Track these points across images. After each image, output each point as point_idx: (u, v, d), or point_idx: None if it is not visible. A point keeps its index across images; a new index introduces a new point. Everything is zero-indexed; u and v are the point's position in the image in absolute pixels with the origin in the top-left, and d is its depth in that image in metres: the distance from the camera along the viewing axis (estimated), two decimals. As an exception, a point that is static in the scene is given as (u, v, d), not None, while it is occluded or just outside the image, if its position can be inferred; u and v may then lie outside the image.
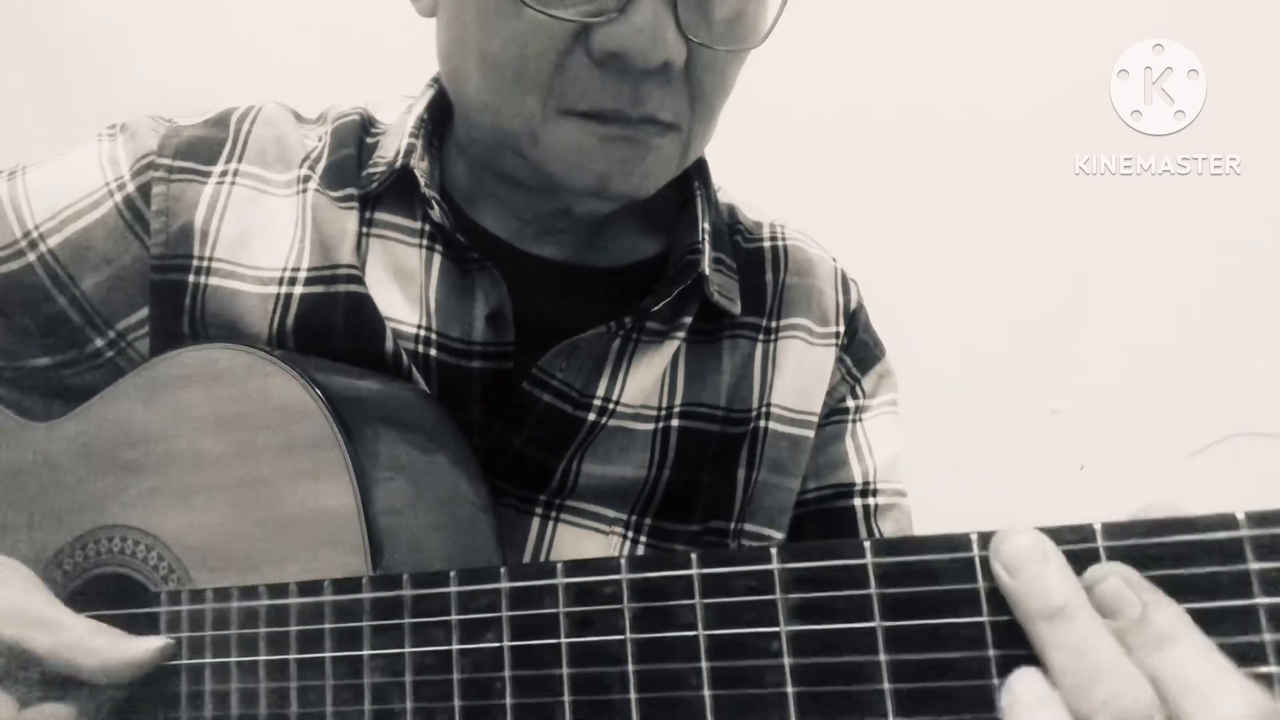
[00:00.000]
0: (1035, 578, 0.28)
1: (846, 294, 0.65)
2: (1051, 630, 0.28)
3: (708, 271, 0.57)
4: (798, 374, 0.61)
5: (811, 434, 0.61)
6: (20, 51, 1.40)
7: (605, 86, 0.46)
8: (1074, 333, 1.28)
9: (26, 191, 0.56)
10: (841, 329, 0.63)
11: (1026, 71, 1.25)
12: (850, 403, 0.63)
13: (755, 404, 0.59)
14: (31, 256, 0.55)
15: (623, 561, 0.32)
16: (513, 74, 0.47)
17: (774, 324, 0.61)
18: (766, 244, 0.64)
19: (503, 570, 0.34)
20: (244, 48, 1.35)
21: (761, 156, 1.01)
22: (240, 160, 0.57)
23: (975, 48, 1.27)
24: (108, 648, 0.42)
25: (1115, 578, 0.28)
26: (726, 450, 0.59)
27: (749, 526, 0.59)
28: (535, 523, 0.55)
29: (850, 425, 0.63)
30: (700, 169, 0.61)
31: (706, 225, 0.58)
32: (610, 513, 0.56)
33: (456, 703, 0.34)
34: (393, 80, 0.65)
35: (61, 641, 0.41)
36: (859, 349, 0.64)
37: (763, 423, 0.59)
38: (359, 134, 0.59)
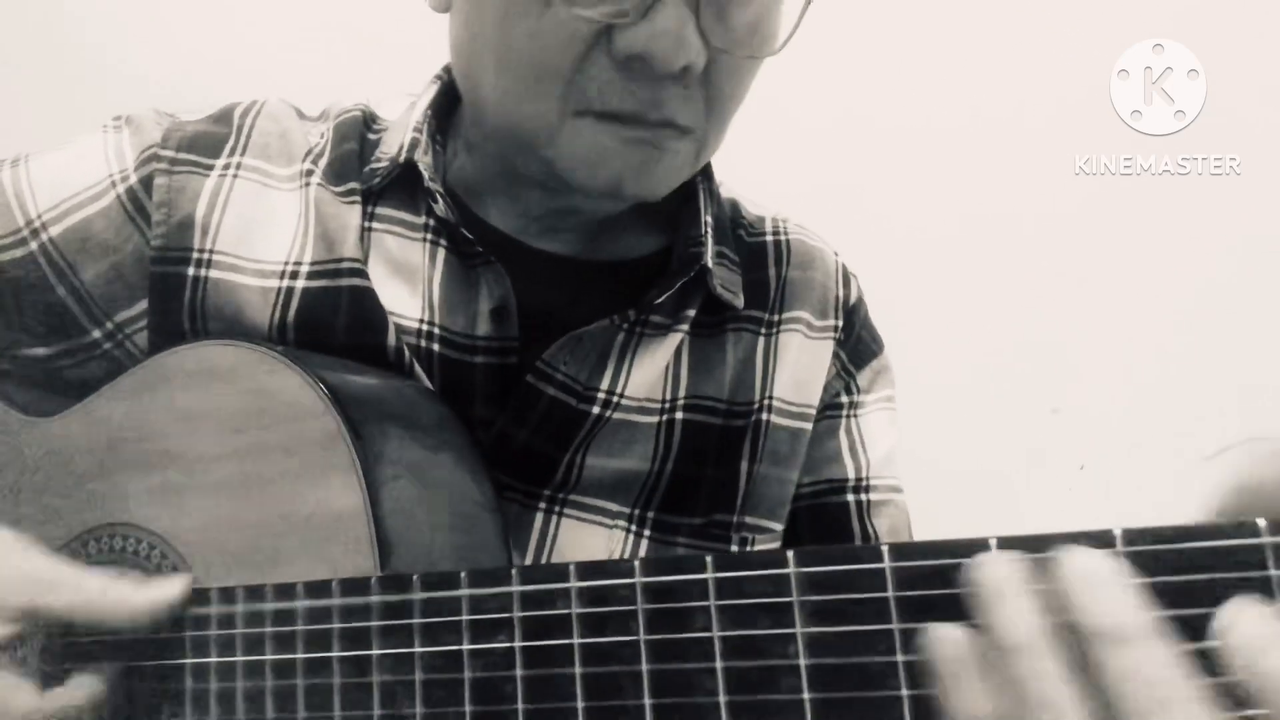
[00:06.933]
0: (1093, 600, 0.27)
1: (847, 288, 0.65)
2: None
3: (710, 264, 0.57)
4: (797, 367, 0.61)
5: (809, 426, 0.61)
6: (20, 51, 1.39)
7: (626, 89, 0.47)
8: (1074, 333, 1.28)
9: (30, 180, 0.56)
10: (840, 323, 0.64)
11: (1026, 71, 1.25)
12: (845, 398, 0.63)
13: (757, 397, 0.59)
14: (33, 245, 0.55)
15: (637, 564, 0.32)
16: (532, 72, 0.47)
17: (776, 317, 0.61)
18: (769, 238, 0.65)
19: (514, 572, 0.34)
20: (245, 47, 1.35)
21: (761, 156, 1.01)
22: (243, 154, 0.57)
23: (975, 48, 1.27)
24: (132, 592, 0.42)
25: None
26: (729, 443, 0.59)
27: (749, 519, 0.59)
28: (539, 518, 0.55)
29: (844, 420, 0.63)
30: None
31: (709, 219, 0.59)
32: (614, 506, 0.56)
33: (468, 706, 0.34)
34: (394, 78, 0.65)
35: (80, 597, 0.41)
36: (856, 344, 0.64)
37: (764, 415, 0.59)
38: (361, 130, 0.59)
